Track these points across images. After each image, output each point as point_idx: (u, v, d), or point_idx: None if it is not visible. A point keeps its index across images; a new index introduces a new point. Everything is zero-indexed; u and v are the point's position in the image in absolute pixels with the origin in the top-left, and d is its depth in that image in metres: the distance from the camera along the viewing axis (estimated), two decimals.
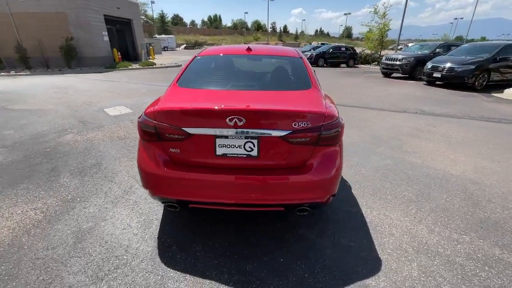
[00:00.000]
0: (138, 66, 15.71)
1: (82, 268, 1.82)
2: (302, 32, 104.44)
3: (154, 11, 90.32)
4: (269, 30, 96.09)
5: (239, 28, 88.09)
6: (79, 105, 6.55)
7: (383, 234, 2.16)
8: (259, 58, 2.73)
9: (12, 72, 12.86)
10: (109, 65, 15.22)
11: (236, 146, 1.75)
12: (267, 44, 38.81)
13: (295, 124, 1.70)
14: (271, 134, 1.71)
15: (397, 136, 4.52)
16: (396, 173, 3.20)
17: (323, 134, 1.74)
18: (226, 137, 1.73)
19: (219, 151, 1.77)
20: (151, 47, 21.38)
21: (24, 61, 14.07)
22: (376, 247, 2.03)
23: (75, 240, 2.08)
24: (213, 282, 1.72)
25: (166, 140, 1.79)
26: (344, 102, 7.08)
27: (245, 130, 1.69)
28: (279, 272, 1.80)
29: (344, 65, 19.86)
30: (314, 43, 34.63)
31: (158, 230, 2.20)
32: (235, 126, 1.68)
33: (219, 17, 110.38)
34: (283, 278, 1.75)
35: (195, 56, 2.67)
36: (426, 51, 12.36)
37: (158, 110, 1.78)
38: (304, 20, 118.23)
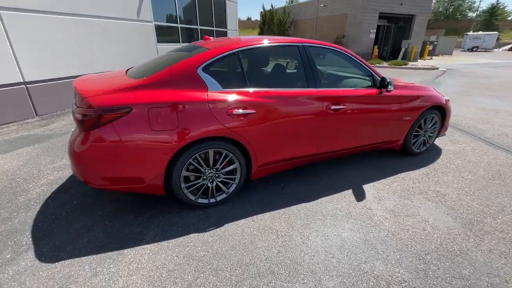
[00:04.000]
0: (386, 64, 15.19)
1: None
2: None
3: (482, 1, 70.76)
4: None
5: None
6: None
7: None
8: (196, 49, 2.43)
9: None
10: None
11: None
12: None
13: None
14: None
15: None
16: None
17: (76, 115, 1.88)
18: None
19: None
20: (427, 46, 18.81)
21: None
22: None
23: None
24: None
25: None
26: None
27: None
28: None
29: None
30: None
31: None
32: None
33: None
34: None
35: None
36: None
37: None
38: None
